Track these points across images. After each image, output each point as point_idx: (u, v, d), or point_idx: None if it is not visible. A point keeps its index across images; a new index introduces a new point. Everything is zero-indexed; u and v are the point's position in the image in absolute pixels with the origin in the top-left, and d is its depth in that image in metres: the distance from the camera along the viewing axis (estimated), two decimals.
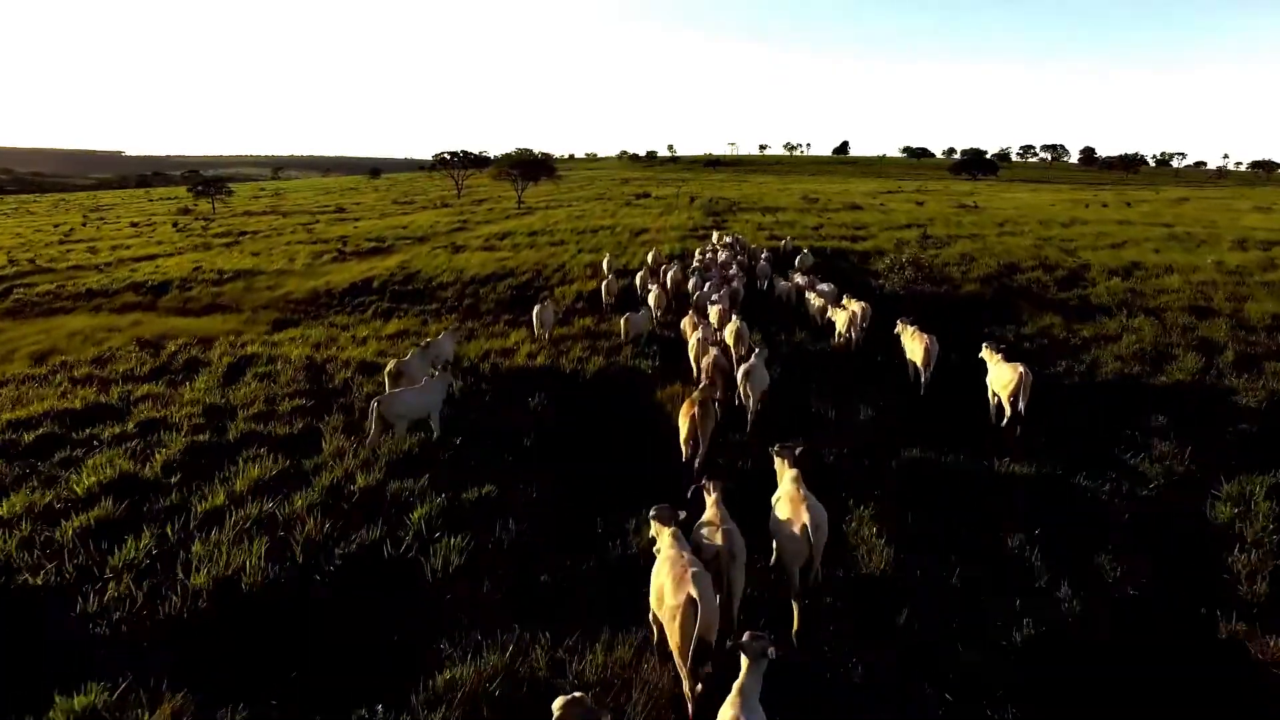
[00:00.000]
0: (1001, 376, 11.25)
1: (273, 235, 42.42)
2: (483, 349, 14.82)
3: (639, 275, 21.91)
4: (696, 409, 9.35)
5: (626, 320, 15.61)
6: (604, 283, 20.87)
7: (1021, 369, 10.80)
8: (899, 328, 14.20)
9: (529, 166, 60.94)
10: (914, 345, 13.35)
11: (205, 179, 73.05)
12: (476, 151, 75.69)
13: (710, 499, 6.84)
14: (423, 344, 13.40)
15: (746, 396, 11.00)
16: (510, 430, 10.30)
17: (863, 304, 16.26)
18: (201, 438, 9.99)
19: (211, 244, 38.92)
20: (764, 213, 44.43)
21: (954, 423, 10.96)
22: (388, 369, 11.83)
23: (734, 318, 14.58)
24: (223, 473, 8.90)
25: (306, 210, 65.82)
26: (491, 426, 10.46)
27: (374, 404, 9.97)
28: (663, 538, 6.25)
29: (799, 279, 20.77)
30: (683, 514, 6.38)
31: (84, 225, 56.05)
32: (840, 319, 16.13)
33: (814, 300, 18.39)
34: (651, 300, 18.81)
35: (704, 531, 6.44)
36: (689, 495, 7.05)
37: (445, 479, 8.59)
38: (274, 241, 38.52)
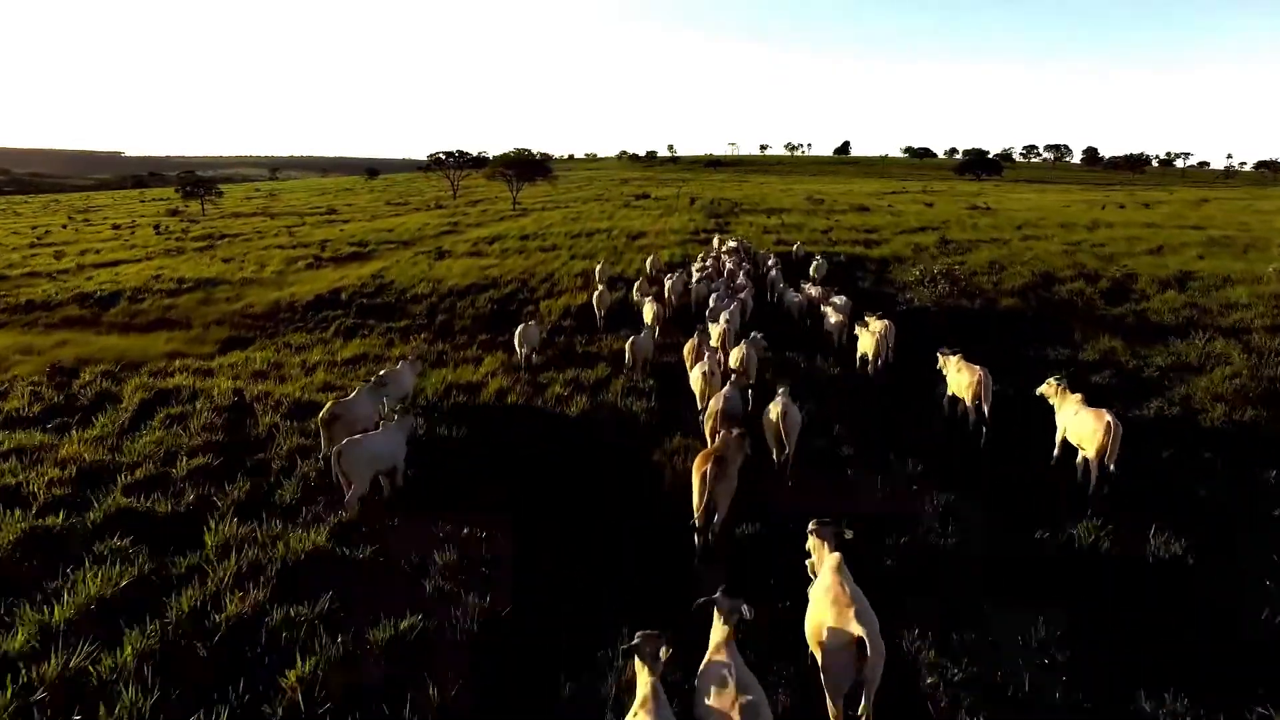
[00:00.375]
0: (1082, 427, 8.78)
1: (253, 239, 39.94)
2: (445, 382, 12.28)
3: (635, 286, 19.46)
4: (710, 467, 6.98)
5: (632, 345, 13.21)
6: (595, 294, 18.43)
7: (1109, 418, 8.32)
8: (941, 361, 11.75)
9: (524, 167, 58.38)
10: (961, 380, 10.90)
11: (195, 180, 70.47)
12: (475, 152, 73.05)
13: (720, 629, 4.56)
14: (373, 378, 10.88)
15: (780, 442, 8.62)
16: (458, 504, 7.82)
17: (885, 321, 13.92)
18: (52, 520, 7.48)
19: (186, 248, 36.42)
20: (768, 215, 41.92)
21: (1023, 479, 8.50)
22: (321, 414, 9.36)
23: (743, 344, 12.14)
24: (56, 582, 6.41)
25: (296, 212, 63.37)
26: (436, 501, 7.98)
27: (334, 455, 7.77)
28: (640, 682, 4.19)
29: (812, 290, 18.33)
30: (665, 652, 4.28)
31: (64, 228, 53.57)
32: (866, 342, 13.68)
33: (831, 316, 15.96)
34: (647, 315, 16.39)
35: (713, 696, 4.14)
36: (693, 608, 4.73)
37: (358, 596, 6.12)
38: (251, 245, 36.03)
